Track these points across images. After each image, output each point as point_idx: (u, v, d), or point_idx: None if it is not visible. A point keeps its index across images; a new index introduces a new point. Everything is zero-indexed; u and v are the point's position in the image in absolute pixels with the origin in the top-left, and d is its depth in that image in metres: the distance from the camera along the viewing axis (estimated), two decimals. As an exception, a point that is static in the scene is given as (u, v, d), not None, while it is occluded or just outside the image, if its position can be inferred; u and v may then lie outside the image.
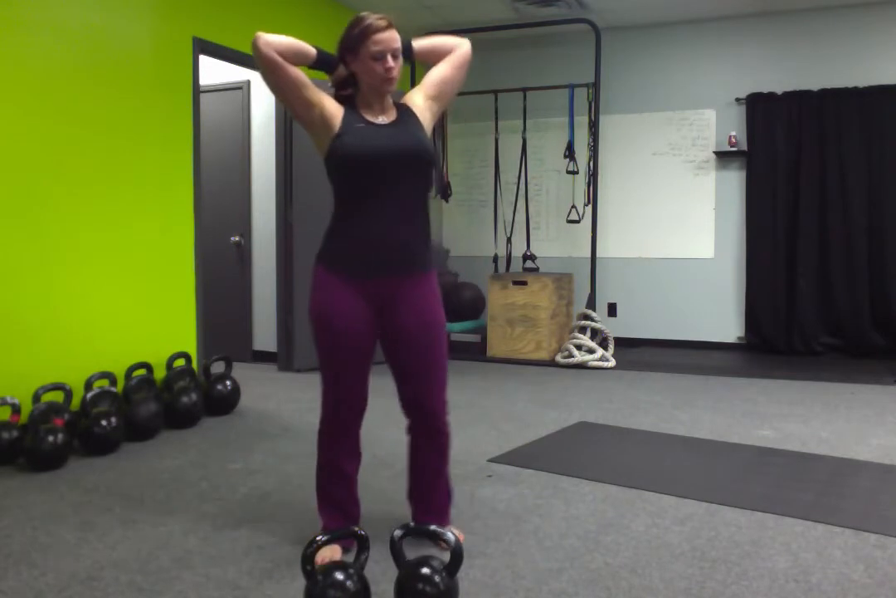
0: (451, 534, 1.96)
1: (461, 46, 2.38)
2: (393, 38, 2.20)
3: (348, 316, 2.22)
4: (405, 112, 2.31)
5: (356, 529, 2.00)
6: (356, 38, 2.20)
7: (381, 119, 2.26)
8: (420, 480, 2.42)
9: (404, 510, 2.71)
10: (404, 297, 2.25)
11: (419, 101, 2.35)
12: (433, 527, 2.00)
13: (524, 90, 6.49)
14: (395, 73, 2.21)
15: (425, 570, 1.91)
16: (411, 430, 2.39)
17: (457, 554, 1.91)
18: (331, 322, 2.22)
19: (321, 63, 2.25)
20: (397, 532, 1.97)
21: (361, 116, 2.24)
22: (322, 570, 1.90)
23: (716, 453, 3.47)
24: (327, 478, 2.37)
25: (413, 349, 2.27)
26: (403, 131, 2.24)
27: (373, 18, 2.21)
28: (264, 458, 3.39)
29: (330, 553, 2.27)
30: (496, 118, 6.63)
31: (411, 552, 2.00)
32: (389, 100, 2.30)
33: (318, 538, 1.93)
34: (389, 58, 2.18)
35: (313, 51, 2.24)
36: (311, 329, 2.29)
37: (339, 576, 1.89)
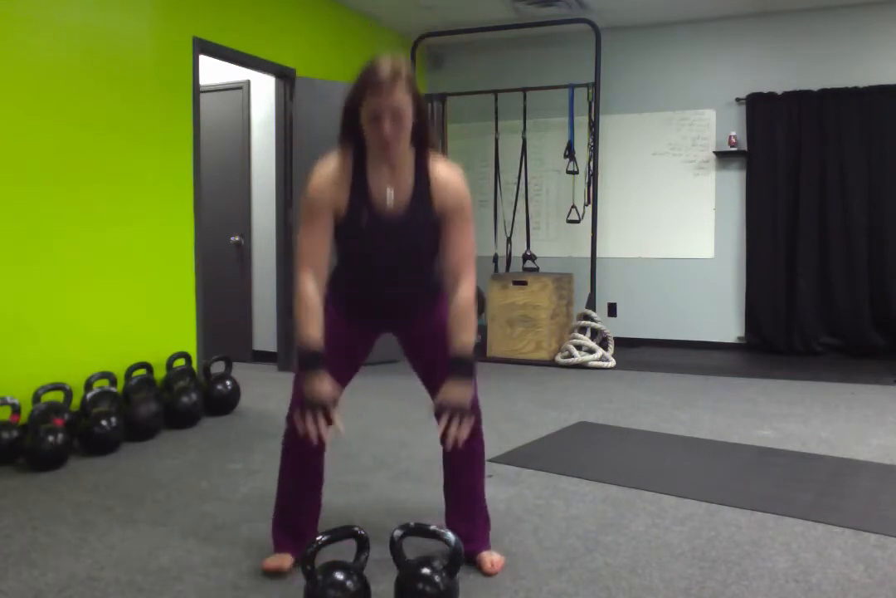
0: (450, 534, 1.95)
1: (470, 298, 2.05)
2: (395, 96, 1.90)
3: (335, 336, 2.10)
4: (423, 189, 2.04)
5: (356, 528, 2.00)
6: (357, 90, 1.95)
7: (390, 195, 2.03)
8: (459, 496, 2.28)
9: (404, 510, 2.71)
10: (412, 323, 2.22)
11: (439, 199, 2.05)
12: (433, 527, 2.00)
13: (524, 90, 6.49)
14: (394, 137, 1.92)
15: (425, 570, 1.91)
16: (443, 440, 2.15)
17: (457, 554, 1.91)
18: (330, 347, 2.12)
19: (302, 357, 2.01)
20: (397, 532, 1.96)
21: (366, 194, 2.02)
22: (322, 570, 1.90)
23: (716, 453, 3.47)
24: (290, 496, 2.26)
25: (433, 352, 2.17)
26: (410, 227, 2.04)
27: (379, 70, 1.91)
28: (264, 458, 3.39)
29: (279, 562, 2.19)
30: (496, 118, 6.63)
31: (412, 553, 2.00)
32: (405, 161, 2.03)
33: (318, 539, 1.93)
34: (386, 120, 1.91)
35: (302, 343, 2.00)
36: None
37: (340, 576, 1.89)
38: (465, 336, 2.00)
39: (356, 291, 2.18)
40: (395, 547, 1.95)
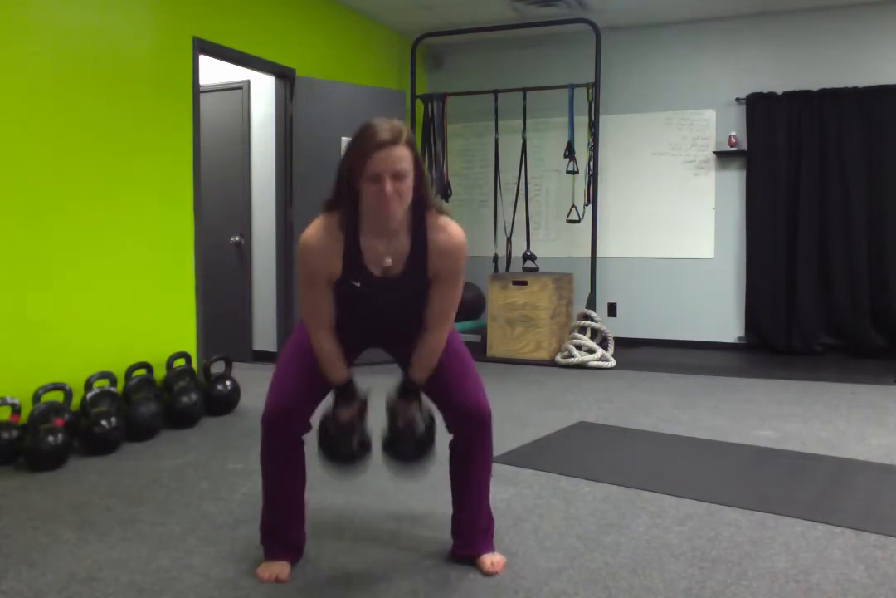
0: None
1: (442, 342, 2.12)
2: (397, 156, 1.86)
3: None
4: (419, 254, 2.01)
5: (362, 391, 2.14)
6: (355, 150, 1.90)
7: (384, 258, 2.01)
8: (462, 498, 2.27)
9: (404, 510, 2.71)
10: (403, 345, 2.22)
11: (434, 264, 2.04)
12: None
13: (524, 90, 6.49)
14: (395, 198, 1.87)
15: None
16: (455, 444, 2.22)
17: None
18: (304, 347, 2.15)
19: (337, 392, 2.12)
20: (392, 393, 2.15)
21: (359, 257, 1.99)
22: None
23: (716, 453, 3.47)
24: (275, 502, 2.25)
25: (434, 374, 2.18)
26: (404, 293, 2.07)
27: (380, 130, 1.87)
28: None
29: (278, 570, 2.17)
30: (496, 118, 6.63)
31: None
32: (402, 226, 1.99)
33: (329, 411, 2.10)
34: (388, 181, 1.86)
35: (333, 382, 2.11)
36: (289, 339, 2.27)
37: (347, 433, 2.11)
38: (420, 373, 2.12)
39: (349, 330, 2.19)
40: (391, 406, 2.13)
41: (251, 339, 6.01)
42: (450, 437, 2.22)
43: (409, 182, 1.90)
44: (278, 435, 2.14)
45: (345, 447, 2.12)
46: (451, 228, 2.05)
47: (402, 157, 1.87)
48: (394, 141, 1.86)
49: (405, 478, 2.44)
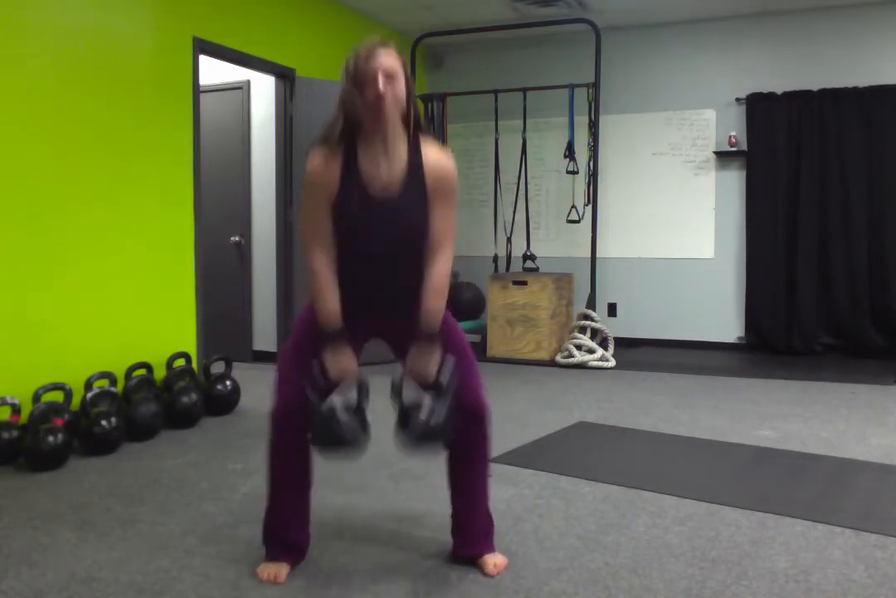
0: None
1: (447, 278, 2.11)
2: (388, 56, 1.98)
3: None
4: (416, 169, 2.06)
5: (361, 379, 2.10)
6: (352, 68, 2.01)
7: (383, 170, 2.04)
8: (461, 498, 2.25)
9: (404, 510, 2.71)
10: (409, 330, 2.11)
11: (431, 180, 2.09)
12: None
13: (524, 90, 6.49)
14: (389, 99, 1.96)
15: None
16: (453, 443, 2.18)
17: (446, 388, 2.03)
18: (305, 343, 2.12)
19: (323, 333, 2.06)
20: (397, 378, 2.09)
21: (358, 175, 2.04)
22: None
23: (716, 453, 3.47)
24: (279, 494, 2.22)
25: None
26: (400, 206, 2.05)
27: (368, 41, 2.02)
28: (264, 458, 3.38)
29: (276, 570, 2.17)
30: (496, 118, 6.62)
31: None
32: (398, 133, 2.05)
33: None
34: (381, 78, 1.95)
35: (322, 318, 2.07)
36: (290, 336, 2.22)
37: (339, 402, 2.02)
38: (433, 305, 2.07)
39: (352, 290, 2.13)
40: (396, 388, 2.07)
41: (251, 339, 6.01)
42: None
43: (400, 85, 2.00)
44: (286, 435, 2.14)
45: (330, 410, 1.99)
46: (442, 148, 2.16)
47: (393, 59, 2.00)
48: (384, 44, 2.01)
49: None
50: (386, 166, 2.05)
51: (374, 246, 2.09)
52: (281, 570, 2.18)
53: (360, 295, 2.14)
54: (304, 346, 2.14)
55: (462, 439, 2.18)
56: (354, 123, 2.04)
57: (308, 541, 2.29)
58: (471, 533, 2.26)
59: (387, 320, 2.20)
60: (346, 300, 2.11)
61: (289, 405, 2.11)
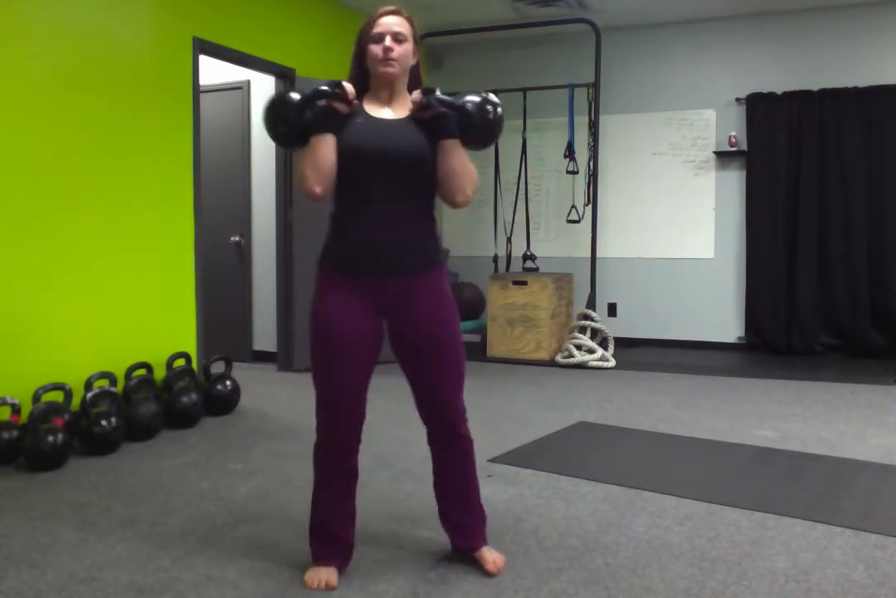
0: None
1: (467, 191, 2.16)
2: (398, 22, 2.12)
3: (346, 323, 2.08)
4: (420, 124, 2.14)
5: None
6: (363, 29, 2.15)
7: (386, 112, 2.14)
8: (449, 495, 2.26)
9: (404, 510, 2.71)
10: (409, 297, 2.11)
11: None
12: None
13: (524, 90, 6.49)
14: (395, 55, 2.09)
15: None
16: (430, 439, 2.24)
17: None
18: (328, 331, 2.09)
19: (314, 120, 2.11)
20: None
21: (363, 110, 2.15)
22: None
23: (716, 453, 3.47)
24: (323, 500, 2.19)
25: (421, 348, 2.14)
26: (404, 131, 2.10)
27: (380, 8, 2.15)
28: (264, 458, 3.39)
29: (325, 576, 2.13)
30: (496, 118, 6.61)
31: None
32: (403, 93, 2.18)
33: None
34: (388, 39, 2.09)
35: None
36: (309, 337, 2.16)
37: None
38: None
39: (354, 233, 2.10)
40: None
41: (251, 339, 6.01)
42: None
43: (407, 47, 2.12)
44: (334, 464, 2.17)
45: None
46: None
47: (403, 25, 2.12)
48: (396, 12, 2.14)
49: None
50: (388, 106, 2.17)
51: (378, 165, 2.08)
52: (331, 574, 2.14)
53: (359, 252, 2.10)
54: (333, 367, 2.11)
55: (439, 438, 2.22)
56: (364, 79, 2.18)
57: (353, 540, 2.24)
58: (466, 527, 2.26)
59: (390, 281, 2.11)
60: (345, 261, 2.11)
61: (336, 442, 2.15)
